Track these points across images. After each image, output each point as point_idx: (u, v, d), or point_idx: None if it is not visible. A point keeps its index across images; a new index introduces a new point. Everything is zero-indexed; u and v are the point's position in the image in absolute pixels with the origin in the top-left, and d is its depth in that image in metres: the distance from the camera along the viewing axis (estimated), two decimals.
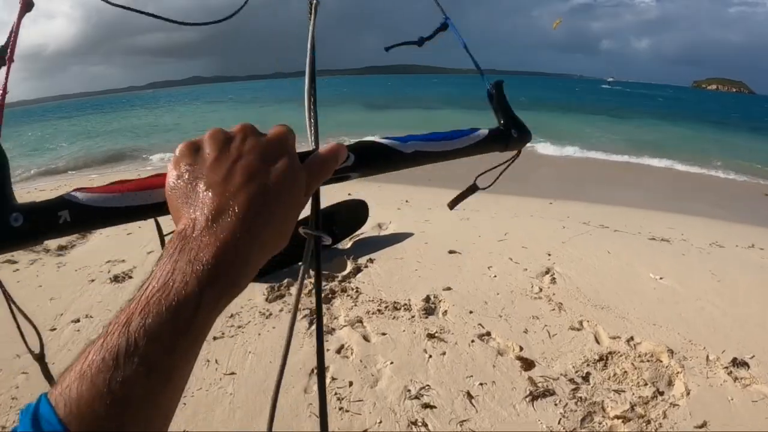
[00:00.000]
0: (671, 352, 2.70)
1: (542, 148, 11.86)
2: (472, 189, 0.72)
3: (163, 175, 0.39)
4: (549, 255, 3.77)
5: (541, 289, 3.23)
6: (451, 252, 3.72)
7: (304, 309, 2.86)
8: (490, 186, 0.72)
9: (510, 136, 0.65)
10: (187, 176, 0.37)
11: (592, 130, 16.46)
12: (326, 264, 3.44)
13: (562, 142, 12.34)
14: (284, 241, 0.38)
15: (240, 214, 0.34)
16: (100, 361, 0.28)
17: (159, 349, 0.29)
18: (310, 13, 0.60)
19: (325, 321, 2.76)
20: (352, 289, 3.12)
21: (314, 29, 0.58)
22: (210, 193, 0.35)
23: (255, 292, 3.04)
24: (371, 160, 0.49)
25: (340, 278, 3.26)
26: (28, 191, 7.04)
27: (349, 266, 3.46)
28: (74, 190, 0.39)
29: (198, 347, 0.32)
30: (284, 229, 0.37)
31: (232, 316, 2.79)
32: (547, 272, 3.49)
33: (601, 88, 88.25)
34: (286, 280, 3.14)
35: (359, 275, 3.36)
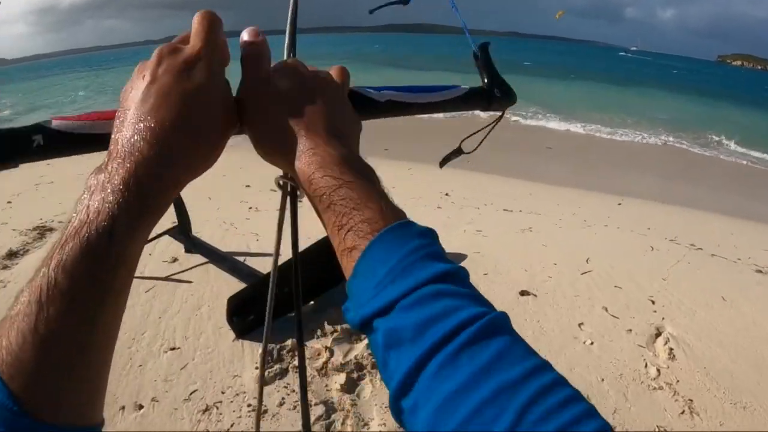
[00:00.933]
0: None
1: (551, 122, 10.73)
2: (458, 152, 0.73)
3: None
4: (653, 302, 2.73)
5: (659, 371, 2.21)
6: (523, 293, 2.65)
7: (320, 401, 1.85)
8: (474, 150, 0.71)
9: (493, 95, 0.63)
10: (118, 113, 0.36)
11: (602, 101, 14.93)
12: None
13: (575, 117, 11.30)
14: (208, 160, 0.37)
15: (149, 135, 0.33)
16: (25, 305, 0.27)
17: (78, 283, 0.28)
18: None
19: (350, 428, 1.76)
20: None
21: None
22: (125, 121, 0.34)
23: (244, 363, 2.01)
24: None
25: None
26: None
27: None
28: (51, 117, 0.40)
29: (122, 282, 0.30)
30: (204, 145, 0.36)
31: (206, 410, 1.78)
32: (658, 335, 2.46)
33: (619, 56, 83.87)
34: (290, 341, 2.10)
35: None
